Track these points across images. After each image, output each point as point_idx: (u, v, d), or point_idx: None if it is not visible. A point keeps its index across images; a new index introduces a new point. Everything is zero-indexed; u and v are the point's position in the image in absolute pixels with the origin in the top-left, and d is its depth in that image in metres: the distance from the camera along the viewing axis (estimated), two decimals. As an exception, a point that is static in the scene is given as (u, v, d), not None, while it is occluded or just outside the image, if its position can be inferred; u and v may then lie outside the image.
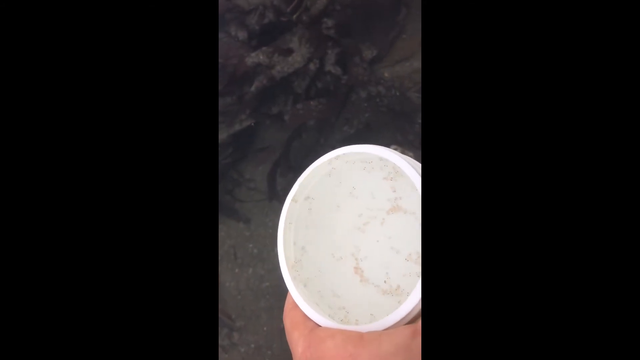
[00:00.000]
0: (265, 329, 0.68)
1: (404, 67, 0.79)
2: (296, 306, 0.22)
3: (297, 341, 0.20)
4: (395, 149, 0.73)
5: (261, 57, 0.81)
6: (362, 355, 0.18)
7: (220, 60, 0.83)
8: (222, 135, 0.79)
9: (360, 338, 0.18)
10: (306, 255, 0.26)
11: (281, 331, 0.67)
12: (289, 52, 0.81)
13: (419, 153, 0.69)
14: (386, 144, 0.72)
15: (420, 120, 0.71)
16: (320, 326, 0.21)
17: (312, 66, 0.78)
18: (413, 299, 0.19)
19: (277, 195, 0.75)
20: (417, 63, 0.78)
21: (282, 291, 0.78)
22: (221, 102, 0.81)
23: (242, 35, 0.85)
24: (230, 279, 0.71)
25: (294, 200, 0.26)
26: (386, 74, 0.78)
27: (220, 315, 0.68)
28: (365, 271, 0.26)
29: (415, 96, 0.74)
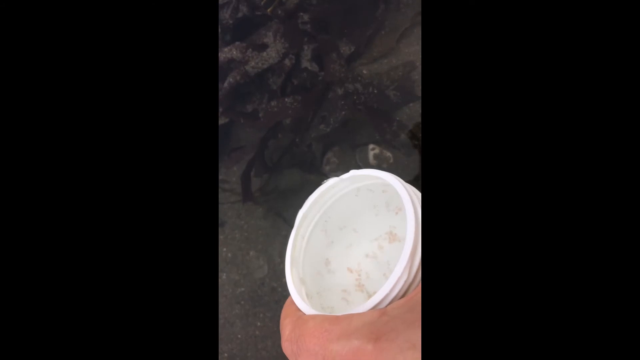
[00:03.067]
0: (239, 336, 0.67)
1: (382, 64, 0.79)
2: (292, 303, 0.26)
3: (286, 326, 0.25)
4: (374, 149, 0.73)
5: (234, 53, 0.80)
6: (335, 330, 0.21)
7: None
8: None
9: (335, 318, 0.22)
10: (310, 263, 0.30)
11: (256, 338, 0.66)
12: (263, 47, 0.80)
13: (397, 153, 0.70)
14: (364, 143, 0.73)
15: (398, 118, 0.72)
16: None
17: (287, 62, 0.78)
18: (378, 296, 0.22)
19: (252, 197, 0.74)
20: (395, 60, 0.79)
21: (258, 297, 0.76)
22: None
23: (214, 29, 0.84)
24: (203, 285, 0.70)
25: (305, 215, 0.30)
26: (365, 71, 0.78)
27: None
28: (363, 281, 0.31)
29: (394, 94, 0.74)
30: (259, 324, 0.67)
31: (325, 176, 0.70)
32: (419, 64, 0.77)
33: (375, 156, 0.70)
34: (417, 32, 0.81)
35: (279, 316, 0.65)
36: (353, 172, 0.29)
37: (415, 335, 0.18)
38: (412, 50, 0.79)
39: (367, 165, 0.69)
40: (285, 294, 0.67)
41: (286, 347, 0.24)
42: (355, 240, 0.32)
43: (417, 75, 0.76)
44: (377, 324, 0.20)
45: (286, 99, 0.75)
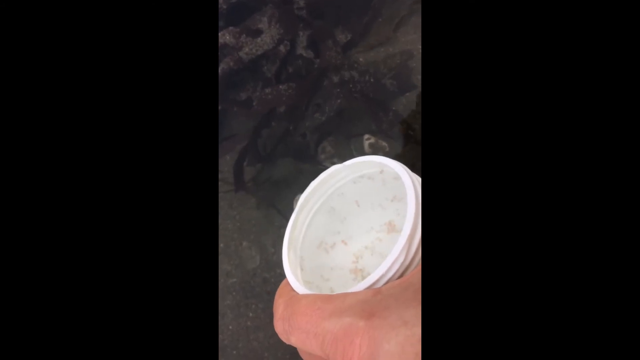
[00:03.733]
0: (230, 327, 0.66)
1: (378, 52, 0.78)
2: (287, 283, 0.26)
3: (279, 305, 0.24)
4: (369, 139, 0.72)
5: (227, 38, 0.78)
6: (328, 308, 0.21)
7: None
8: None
9: (328, 297, 0.22)
10: (310, 248, 0.30)
11: (248, 329, 0.66)
12: (258, 33, 0.78)
13: (393, 142, 0.69)
14: (359, 132, 0.72)
15: (394, 108, 0.71)
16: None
17: (282, 48, 0.76)
18: (374, 276, 0.22)
19: (244, 186, 0.73)
20: (392, 49, 0.78)
21: (250, 288, 0.76)
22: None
23: (206, 13, 0.82)
24: (194, 275, 0.69)
25: (307, 199, 0.30)
26: (361, 59, 0.77)
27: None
28: (360, 265, 0.31)
29: (390, 82, 0.73)
30: (250, 314, 0.66)
31: (320, 165, 0.69)
32: (416, 52, 0.76)
33: (371, 145, 0.69)
34: (415, 20, 0.80)
35: (271, 307, 0.65)
36: (356, 159, 0.28)
37: (408, 313, 0.18)
38: (409, 39, 0.78)
39: (362, 155, 0.68)
40: (278, 284, 0.66)
41: (278, 325, 0.23)
42: (356, 230, 0.32)
43: (414, 64, 0.75)
44: (370, 303, 0.20)
45: (280, 87, 0.74)
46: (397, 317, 0.18)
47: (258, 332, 0.65)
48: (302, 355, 0.25)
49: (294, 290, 0.25)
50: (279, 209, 0.71)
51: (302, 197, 0.29)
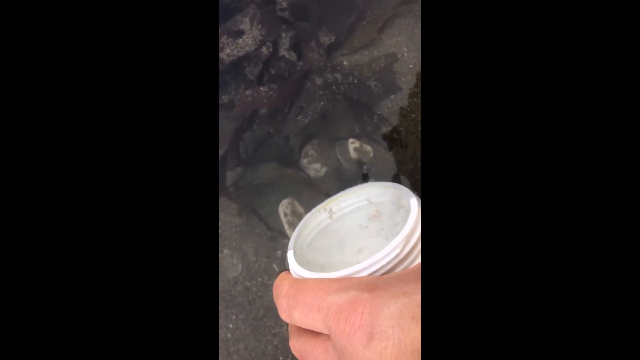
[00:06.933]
0: (210, 339, 0.65)
1: (363, 55, 0.78)
2: (288, 272, 0.28)
3: (284, 285, 0.25)
4: (354, 143, 0.72)
5: (207, 39, 0.77)
6: (334, 285, 0.23)
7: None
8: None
9: (335, 278, 0.24)
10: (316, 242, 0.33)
11: (228, 342, 0.64)
12: (239, 34, 0.77)
13: (378, 147, 0.69)
14: (343, 136, 0.71)
15: (379, 112, 0.71)
16: None
17: (264, 50, 0.75)
18: (371, 260, 0.24)
19: (226, 191, 0.72)
20: (376, 51, 0.77)
21: (230, 297, 0.74)
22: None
23: (186, 13, 0.81)
24: (172, 285, 0.67)
25: (325, 206, 0.32)
26: (345, 62, 0.77)
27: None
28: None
29: (375, 85, 0.73)
30: (230, 326, 0.64)
31: (300, 170, 0.69)
32: (400, 55, 0.76)
33: (356, 149, 0.69)
34: (399, 22, 0.80)
35: (252, 318, 0.63)
36: (391, 185, 0.30)
37: (408, 286, 0.20)
38: (394, 42, 0.78)
39: (347, 159, 0.68)
40: (260, 294, 0.65)
41: (282, 302, 0.25)
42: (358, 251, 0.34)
43: (398, 67, 0.75)
44: (374, 281, 0.22)
45: (262, 88, 0.73)
46: (398, 289, 0.20)
47: (238, 344, 0.63)
48: (294, 342, 0.26)
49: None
50: (261, 215, 0.70)
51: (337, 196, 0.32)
